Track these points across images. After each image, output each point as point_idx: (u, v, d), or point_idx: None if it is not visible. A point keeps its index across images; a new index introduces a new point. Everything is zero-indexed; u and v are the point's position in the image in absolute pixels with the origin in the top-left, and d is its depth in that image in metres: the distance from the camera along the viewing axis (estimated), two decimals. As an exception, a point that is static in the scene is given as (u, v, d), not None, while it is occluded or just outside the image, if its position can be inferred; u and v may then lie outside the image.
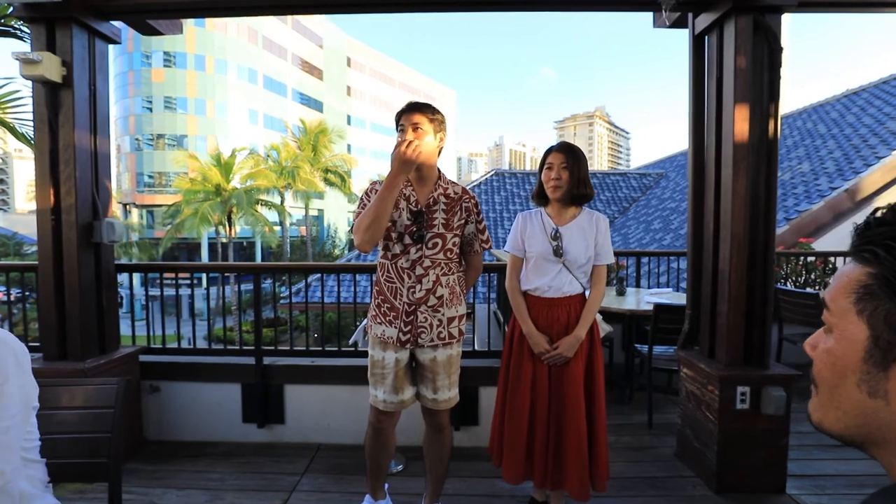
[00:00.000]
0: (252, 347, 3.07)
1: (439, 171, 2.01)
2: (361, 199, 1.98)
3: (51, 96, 2.51)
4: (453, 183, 2.03)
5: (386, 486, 2.25)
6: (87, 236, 2.64)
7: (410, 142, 1.77)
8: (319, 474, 2.65)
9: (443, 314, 1.96)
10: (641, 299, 3.95)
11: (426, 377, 2.00)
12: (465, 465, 2.71)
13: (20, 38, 3.15)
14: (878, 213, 0.45)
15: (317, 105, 47.83)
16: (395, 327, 1.93)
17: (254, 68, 41.52)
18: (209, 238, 30.35)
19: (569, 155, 2.03)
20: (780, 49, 2.38)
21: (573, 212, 2.10)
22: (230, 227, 24.65)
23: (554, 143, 2.12)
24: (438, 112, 1.94)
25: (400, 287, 1.93)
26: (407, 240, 1.92)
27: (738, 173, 2.41)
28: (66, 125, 2.53)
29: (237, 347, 3.27)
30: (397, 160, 1.77)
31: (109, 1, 2.59)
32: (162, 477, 2.61)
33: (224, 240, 25.96)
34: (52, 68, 2.42)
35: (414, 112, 1.89)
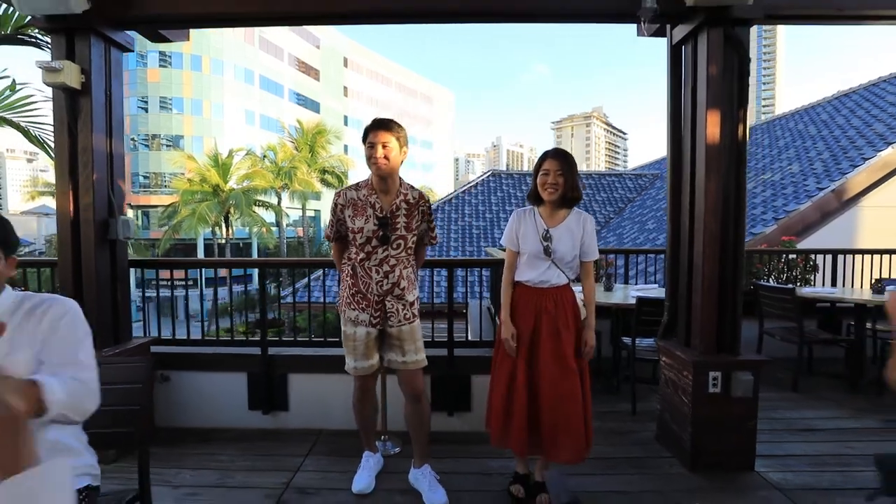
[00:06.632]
0: (258, 338, 3.25)
1: (401, 179, 2.33)
2: (333, 212, 2.37)
3: (70, 102, 2.68)
4: (411, 188, 2.39)
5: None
6: (104, 233, 2.82)
7: None
8: (322, 456, 2.83)
9: (406, 300, 2.35)
10: (628, 295, 4.13)
11: (394, 345, 2.37)
12: (460, 447, 2.90)
13: (38, 47, 3.31)
14: None
15: (314, 106, 47.92)
16: (368, 313, 2.31)
17: (250, 69, 41.60)
18: (205, 239, 30.39)
19: (563, 162, 2.25)
20: (748, 59, 2.58)
21: (564, 213, 2.31)
22: (227, 227, 24.74)
23: (551, 144, 2.35)
24: (402, 127, 2.28)
25: (369, 282, 2.30)
26: (374, 242, 2.27)
27: (710, 173, 2.60)
28: (84, 129, 2.71)
29: (244, 339, 3.43)
30: None
31: (127, 12, 2.76)
32: (174, 459, 2.78)
33: (221, 241, 26.04)
34: (72, 76, 2.60)
35: (381, 130, 2.22)
